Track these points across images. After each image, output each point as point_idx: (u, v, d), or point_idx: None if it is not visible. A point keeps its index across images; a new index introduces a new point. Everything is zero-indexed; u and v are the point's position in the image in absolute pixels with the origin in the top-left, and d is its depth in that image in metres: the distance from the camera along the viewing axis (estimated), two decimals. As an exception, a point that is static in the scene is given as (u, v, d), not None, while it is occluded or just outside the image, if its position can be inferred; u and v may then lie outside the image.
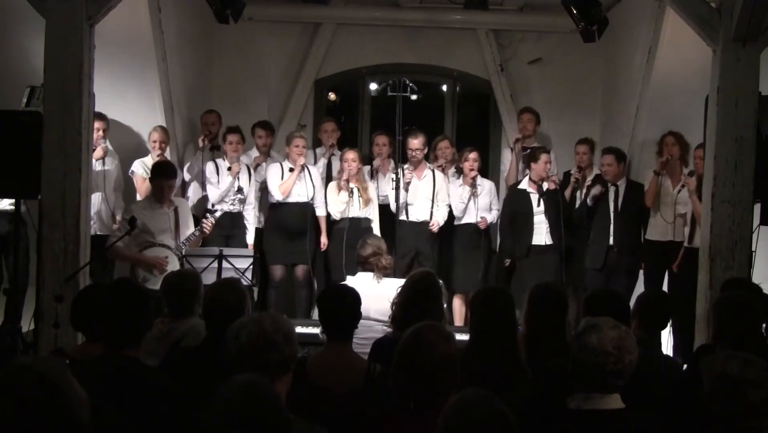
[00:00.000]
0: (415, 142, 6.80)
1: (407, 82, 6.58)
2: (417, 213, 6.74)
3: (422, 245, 6.72)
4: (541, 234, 6.65)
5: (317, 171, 6.98)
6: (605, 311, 2.89)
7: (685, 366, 4.17)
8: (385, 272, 4.98)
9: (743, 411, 2.43)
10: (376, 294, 4.36)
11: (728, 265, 4.80)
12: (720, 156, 4.82)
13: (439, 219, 6.78)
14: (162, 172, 5.83)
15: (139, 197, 6.51)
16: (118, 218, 6.37)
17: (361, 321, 4.51)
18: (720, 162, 4.82)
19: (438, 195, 6.82)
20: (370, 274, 4.90)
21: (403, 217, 6.67)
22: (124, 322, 2.93)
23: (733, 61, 4.77)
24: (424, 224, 6.75)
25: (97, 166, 6.22)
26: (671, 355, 5.65)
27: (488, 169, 8.07)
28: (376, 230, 6.76)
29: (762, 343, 3.41)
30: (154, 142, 6.67)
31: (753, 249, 4.89)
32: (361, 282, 4.88)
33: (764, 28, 4.72)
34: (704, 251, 4.92)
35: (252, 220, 6.83)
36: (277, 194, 6.74)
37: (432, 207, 6.80)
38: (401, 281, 5.13)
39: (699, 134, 5.41)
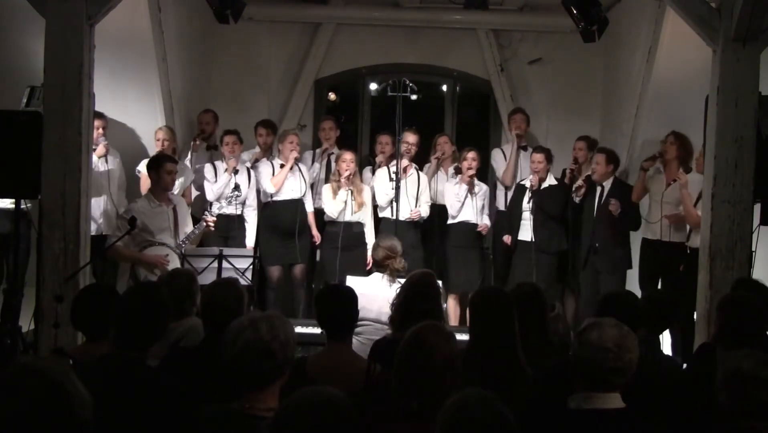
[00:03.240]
0: (411, 138, 6.89)
1: (407, 82, 6.59)
2: (401, 211, 6.71)
3: (406, 244, 6.65)
4: (527, 231, 6.70)
5: (307, 169, 6.99)
6: (615, 313, 2.89)
7: (685, 366, 4.17)
8: (398, 275, 4.98)
9: (753, 410, 2.43)
10: (389, 297, 4.33)
11: (728, 265, 4.80)
12: (720, 156, 4.82)
13: (421, 212, 6.81)
14: (162, 158, 5.85)
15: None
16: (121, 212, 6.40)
17: (373, 324, 4.56)
18: (720, 162, 4.82)
19: (421, 195, 6.85)
20: (380, 275, 4.90)
21: (387, 214, 6.69)
22: (140, 326, 2.93)
23: (733, 61, 4.77)
24: (409, 223, 6.73)
25: (100, 165, 6.24)
26: (671, 355, 5.65)
27: (489, 169, 8.07)
28: (370, 233, 6.77)
29: (765, 344, 3.40)
30: (158, 140, 6.68)
31: (753, 249, 4.89)
32: (373, 283, 4.89)
33: (764, 28, 4.72)
34: (704, 251, 4.92)
35: (252, 221, 6.83)
36: (269, 187, 6.75)
37: (416, 205, 6.82)
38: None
39: (699, 134, 5.41)
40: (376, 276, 4.95)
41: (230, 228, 6.68)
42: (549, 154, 6.83)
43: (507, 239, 6.89)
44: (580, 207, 6.63)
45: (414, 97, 7.02)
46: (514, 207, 6.92)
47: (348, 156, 6.66)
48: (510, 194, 7.16)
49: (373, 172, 7.13)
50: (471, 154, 6.80)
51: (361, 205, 6.70)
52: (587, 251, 6.50)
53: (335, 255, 6.59)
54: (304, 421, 1.95)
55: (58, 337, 4.39)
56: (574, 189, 6.59)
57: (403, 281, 4.87)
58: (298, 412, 1.97)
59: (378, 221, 6.86)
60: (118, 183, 6.62)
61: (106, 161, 6.38)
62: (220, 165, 6.78)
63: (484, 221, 6.93)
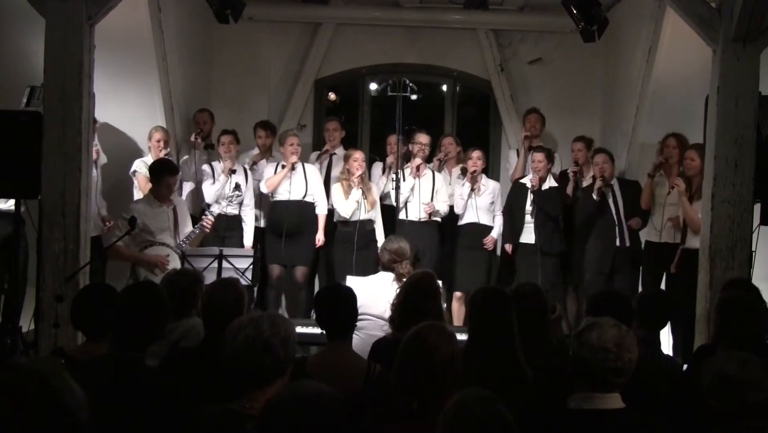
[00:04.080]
0: (425, 138, 6.89)
1: (407, 82, 6.61)
2: (415, 212, 6.74)
3: (420, 244, 6.72)
4: (529, 232, 6.69)
5: (315, 169, 6.98)
6: (608, 312, 2.89)
7: (685, 366, 4.17)
8: (402, 279, 4.98)
9: (743, 411, 2.43)
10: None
11: (728, 265, 4.79)
12: (720, 156, 4.82)
13: (437, 208, 6.78)
14: (165, 170, 5.83)
15: (140, 196, 6.50)
16: (104, 213, 6.38)
17: (376, 320, 4.57)
18: (720, 162, 4.81)
19: (437, 194, 6.83)
20: (391, 275, 4.91)
21: (402, 216, 6.68)
22: (139, 325, 2.93)
23: (733, 61, 4.77)
24: (423, 223, 6.75)
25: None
26: (671, 355, 5.64)
27: (488, 169, 8.07)
28: (380, 230, 6.76)
29: (763, 344, 3.41)
30: (158, 141, 6.66)
31: (753, 249, 4.89)
32: (380, 282, 4.89)
33: (764, 28, 4.72)
34: (704, 251, 4.92)
35: (250, 221, 6.82)
36: (263, 188, 6.77)
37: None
38: None
39: (699, 134, 5.41)
40: (384, 275, 4.94)
41: (227, 228, 6.67)
42: (550, 154, 6.83)
43: (508, 247, 6.87)
44: (600, 204, 6.52)
45: (414, 97, 7.03)
46: (514, 204, 6.87)
47: (359, 155, 6.65)
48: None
49: (383, 171, 7.13)
50: (476, 154, 6.82)
51: (372, 203, 6.71)
52: (613, 253, 6.42)
53: (350, 255, 6.58)
54: (288, 417, 1.95)
55: (58, 337, 4.40)
56: (595, 189, 6.48)
57: None
58: (283, 408, 1.97)
59: (394, 223, 6.82)
60: (99, 187, 6.62)
61: (96, 165, 6.37)
62: (218, 166, 6.77)
63: (496, 222, 6.90)
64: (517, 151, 7.53)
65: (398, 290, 4.01)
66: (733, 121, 4.79)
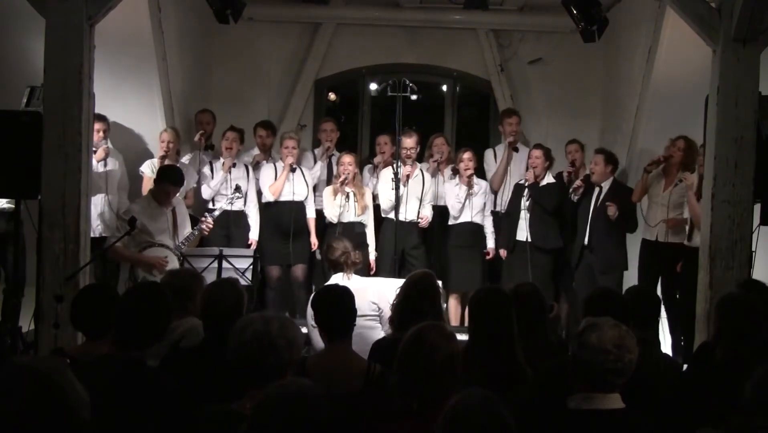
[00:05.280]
0: (409, 142, 6.82)
1: (407, 82, 6.59)
2: (405, 212, 6.71)
3: (409, 244, 6.74)
4: (523, 230, 6.69)
5: (310, 172, 6.97)
6: (604, 311, 2.89)
7: (685, 366, 4.17)
8: (355, 267, 5.03)
9: None
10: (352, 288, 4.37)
11: (728, 265, 4.79)
12: (720, 156, 4.81)
13: (427, 214, 6.81)
14: (169, 178, 5.80)
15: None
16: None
17: None
18: (720, 162, 4.81)
19: (426, 196, 6.84)
20: (340, 274, 4.93)
21: (391, 216, 6.68)
22: (141, 325, 2.93)
23: (733, 61, 4.77)
24: (412, 224, 6.75)
25: (99, 167, 6.23)
26: (671, 355, 5.64)
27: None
28: (372, 234, 6.77)
29: (763, 343, 3.40)
30: (163, 142, 6.65)
31: (753, 249, 4.89)
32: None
33: (764, 28, 4.71)
34: (704, 251, 4.92)
35: (255, 217, 6.82)
36: (268, 195, 6.77)
37: (419, 207, 6.80)
38: (379, 280, 5.20)
39: (699, 134, 5.41)
40: (336, 277, 4.94)
41: (231, 225, 6.68)
42: (548, 153, 6.82)
43: (503, 253, 6.87)
44: (577, 206, 6.61)
45: (414, 97, 7.01)
46: (513, 208, 6.86)
47: (346, 159, 6.65)
48: (507, 196, 7.08)
49: (372, 173, 7.12)
50: (467, 155, 6.80)
51: (364, 208, 6.69)
52: (581, 249, 6.48)
53: None
54: (276, 416, 1.96)
55: (58, 337, 4.39)
56: (572, 189, 6.58)
57: (357, 277, 5.01)
58: (272, 407, 1.98)
59: (380, 222, 6.84)
60: (119, 185, 6.61)
61: (105, 164, 6.38)
62: (218, 164, 6.78)
63: (487, 228, 6.93)
64: (494, 150, 7.46)
65: (398, 290, 4.01)
66: (733, 121, 4.79)
